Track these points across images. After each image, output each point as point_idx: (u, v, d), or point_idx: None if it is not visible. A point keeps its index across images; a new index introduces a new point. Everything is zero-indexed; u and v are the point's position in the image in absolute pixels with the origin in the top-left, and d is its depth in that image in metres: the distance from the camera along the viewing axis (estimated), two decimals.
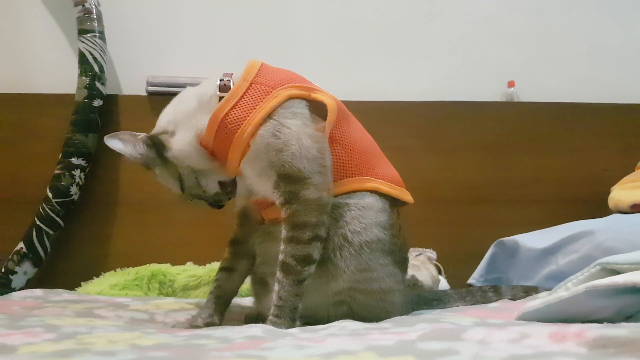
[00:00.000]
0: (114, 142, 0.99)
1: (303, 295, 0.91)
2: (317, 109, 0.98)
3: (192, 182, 1.02)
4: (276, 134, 0.93)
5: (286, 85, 0.97)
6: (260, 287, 1.04)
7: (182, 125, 0.99)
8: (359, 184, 0.98)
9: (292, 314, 0.90)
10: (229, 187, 1.04)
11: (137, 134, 1.00)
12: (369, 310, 0.97)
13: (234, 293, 1.07)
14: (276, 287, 0.91)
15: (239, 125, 0.94)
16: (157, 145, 0.99)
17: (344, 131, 0.99)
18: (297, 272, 0.90)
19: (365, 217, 0.95)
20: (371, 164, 1.01)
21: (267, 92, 0.96)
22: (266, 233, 1.00)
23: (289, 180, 0.92)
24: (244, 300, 1.29)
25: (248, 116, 0.94)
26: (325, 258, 0.94)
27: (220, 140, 0.96)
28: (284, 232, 0.92)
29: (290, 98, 0.96)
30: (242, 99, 0.95)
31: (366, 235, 0.94)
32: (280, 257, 0.92)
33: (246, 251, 1.06)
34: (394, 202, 1.02)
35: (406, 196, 1.04)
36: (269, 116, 0.94)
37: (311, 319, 0.94)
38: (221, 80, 0.99)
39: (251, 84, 0.97)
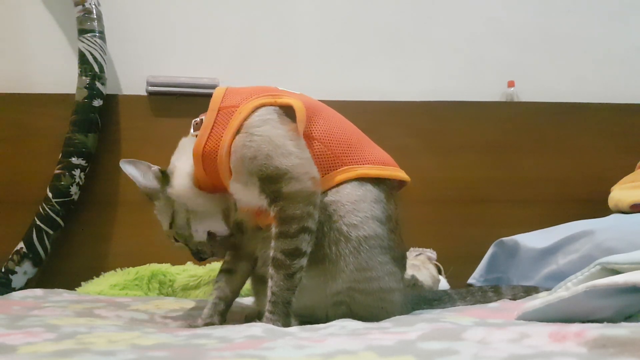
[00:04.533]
0: (128, 167, 1.03)
1: (295, 288, 0.91)
2: (288, 113, 0.99)
3: (182, 221, 1.04)
4: (247, 144, 0.95)
5: (250, 99, 0.99)
6: (261, 286, 1.03)
7: (179, 165, 1.04)
8: (345, 174, 0.97)
9: (285, 308, 0.90)
10: (217, 242, 1.05)
11: (151, 165, 1.05)
12: (368, 310, 0.96)
13: (235, 294, 1.07)
14: (269, 283, 0.92)
15: (217, 152, 0.97)
16: (164, 179, 1.04)
17: (318, 126, 1.00)
18: (287, 266, 0.90)
19: (359, 210, 0.95)
20: (354, 150, 1.00)
21: (233, 112, 0.98)
22: (265, 238, 1.00)
23: (271, 180, 0.93)
24: (244, 300, 1.29)
25: (221, 140, 0.96)
26: (322, 256, 0.94)
27: (210, 172, 0.99)
28: (273, 230, 0.93)
29: (257, 108, 0.98)
30: (214, 128, 0.98)
31: (363, 229, 0.94)
32: (271, 253, 0.92)
33: (246, 254, 1.06)
34: (391, 186, 1.02)
35: (399, 174, 1.03)
36: (238, 131, 0.96)
37: (310, 319, 0.94)
38: (194, 120, 1.03)
39: (219, 110, 0.99)
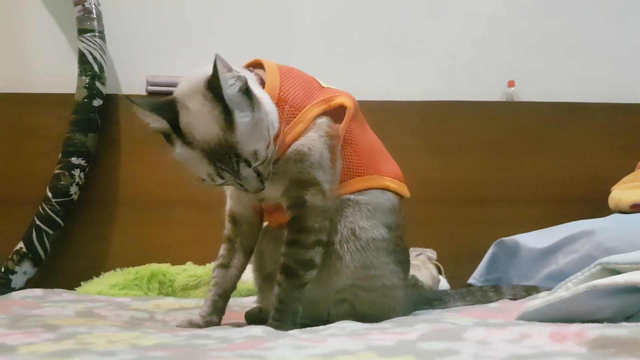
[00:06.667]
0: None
1: (304, 299, 0.92)
2: (335, 112, 0.98)
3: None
4: (298, 148, 0.93)
5: (309, 107, 0.97)
6: (266, 284, 1.04)
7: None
8: (368, 183, 1.00)
9: (293, 318, 0.91)
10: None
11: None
12: (371, 307, 0.97)
13: (233, 288, 1.07)
14: (276, 289, 0.92)
15: None
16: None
17: (353, 132, 1.01)
18: (299, 275, 0.91)
19: (374, 216, 0.97)
20: (377, 161, 1.03)
21: (294, 114, 0.95)
22: (275, 238, 1.00)
23: (301, 185, 0.93)
24: (244, 300, 1.29)
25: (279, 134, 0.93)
26: (330, 251, 0.94)
27: None
28: (286, 235, 0.93)
29: (315, 117, 0.96)
30: None
31: (372, 232, 0.96)
32: (282, 259, 0.92)
33: (241, 247, 1.05)
34: (400, 197, 1.04)
35: (405, 191, 1.06)
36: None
37: (312, 315, 0.95)
38: (255, 72, 0.96)
39: (278, 101, 0.95)
